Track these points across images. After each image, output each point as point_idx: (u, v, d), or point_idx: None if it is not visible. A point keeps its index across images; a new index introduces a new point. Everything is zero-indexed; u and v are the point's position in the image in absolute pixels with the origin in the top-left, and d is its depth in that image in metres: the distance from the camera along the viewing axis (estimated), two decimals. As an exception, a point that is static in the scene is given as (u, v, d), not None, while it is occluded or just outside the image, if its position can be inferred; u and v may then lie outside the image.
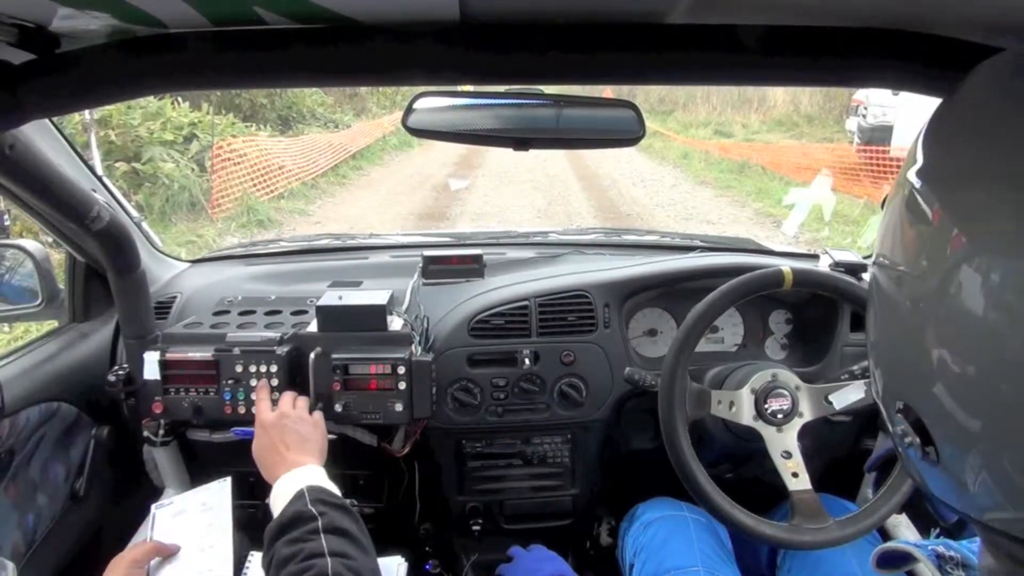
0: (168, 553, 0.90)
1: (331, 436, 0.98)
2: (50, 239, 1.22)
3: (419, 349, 1.12)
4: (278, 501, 0.80)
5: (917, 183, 0.39)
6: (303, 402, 0.99)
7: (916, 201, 0.38)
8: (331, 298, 1.12)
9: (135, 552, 0.87)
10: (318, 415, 0.98)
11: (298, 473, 0.83)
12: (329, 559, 0.69)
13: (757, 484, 1.20)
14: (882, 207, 0.45)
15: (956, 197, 0.36)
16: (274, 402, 0.98)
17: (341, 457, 1.28)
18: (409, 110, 0.74)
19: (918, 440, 0.38)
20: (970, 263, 0.33)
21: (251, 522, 1.27)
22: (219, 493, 0.97)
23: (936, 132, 0.40)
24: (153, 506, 0.97)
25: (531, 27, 0.58)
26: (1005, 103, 0.37)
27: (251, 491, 1.23)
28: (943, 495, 0.39)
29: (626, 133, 0.76)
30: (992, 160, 0.35)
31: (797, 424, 1.06)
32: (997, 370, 0.33)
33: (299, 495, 0.78)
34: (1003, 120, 0.36)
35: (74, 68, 0.61)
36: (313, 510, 0.75)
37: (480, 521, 1.27)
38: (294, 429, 0.92)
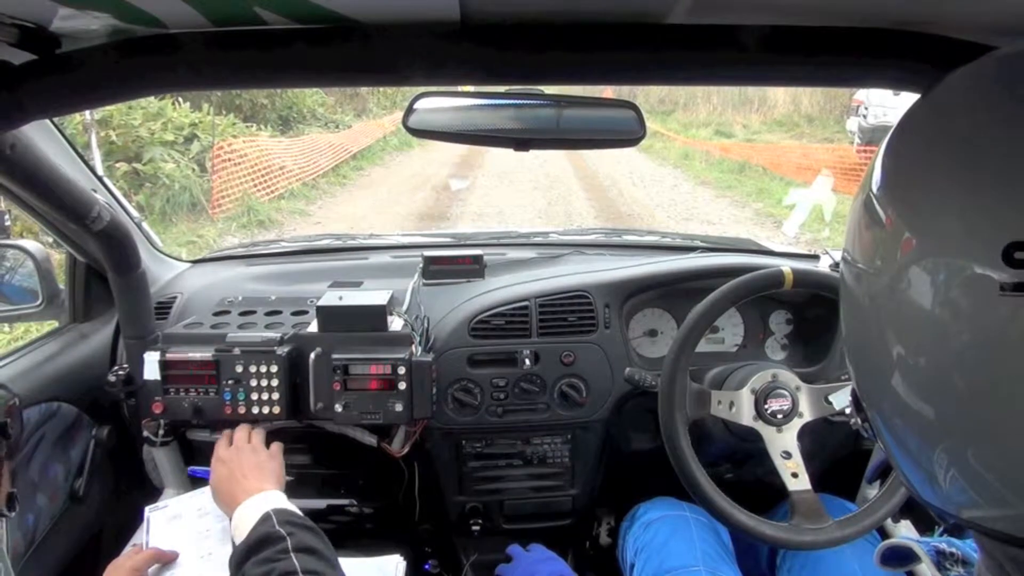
0: (167, 560, 0.89)
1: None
2: (50, 239, 1.22)
3: (419, 349, 1.12)
4: (241, 527, 0.79)
5: (876, 185, 0.40)
6: (258, 435, 0.99)
7: (873, 203, 0.39)
8: (331, 298, 1.12)
9: (135, 559, 0.87)
10: (276, 447, 0.99)
11: (259, 498, 0.83)
12: None
13: (757, 484, 1.20)
14: None
15: (908, 200, 0.37)
16: None
17: (341, 457, 1.29)
18: (409, 110, 0.74)
19: (860, 420, 0.41)
20: (919, 264, 0.35)
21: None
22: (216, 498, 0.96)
23: (897, 137, 0.41)
24: (147, 509, 0.96)
25: (531, 27, 0.58)
26: (957, 112, 0.38)
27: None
28: (924, 494, 0.39)
29: (627, 133, 0.76)
30: (940, 165, 0.36)
31: (797, 424, 1.06)
32: (950, 365, 0.34)
33: (265, 517, 0.78)
34: (951, 127, 0.37)
35: (74, 68, 0.61)
36: (281, 531, 0.75)
37: (480, 521, 1.27)
38: (249, 458, 0.93)
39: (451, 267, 1.35)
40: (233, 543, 0.79)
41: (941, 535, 0.76)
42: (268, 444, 0.99)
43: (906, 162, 0.39)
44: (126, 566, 0.86)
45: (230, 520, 0.84)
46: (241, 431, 0.99)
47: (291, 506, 0.83)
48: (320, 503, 1.35)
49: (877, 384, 0.40)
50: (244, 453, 0.94)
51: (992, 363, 0.32)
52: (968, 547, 0.56)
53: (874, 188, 0.40)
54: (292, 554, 0.71)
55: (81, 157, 1.21)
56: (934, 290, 0.34)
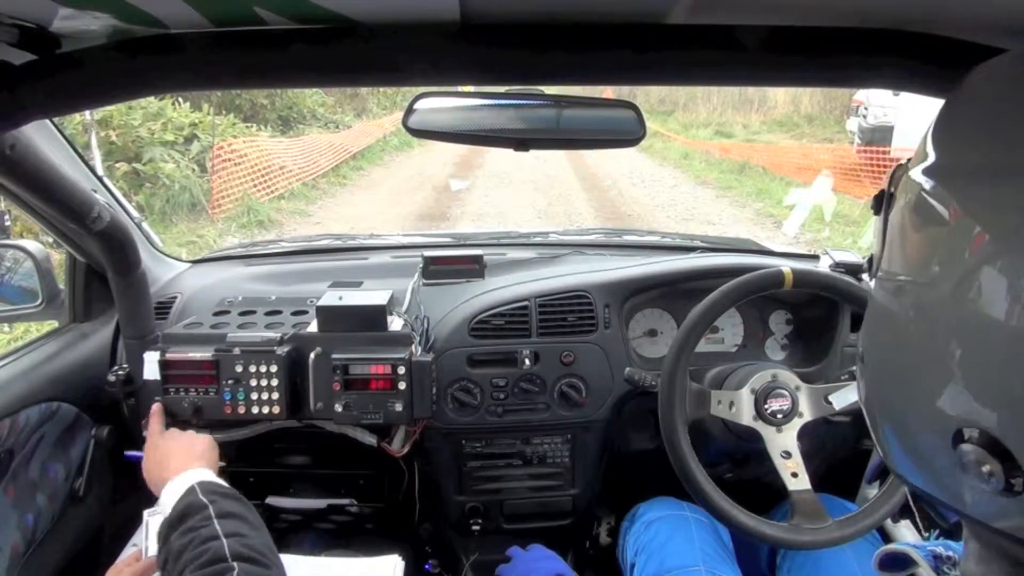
0: None
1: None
2: (50, 239, 1.22)
3: (419, 349, 1.12)
4: (167, 503, 0.79)
5: (928, 182, 0.37)
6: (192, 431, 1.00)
7: (927, 201, 0.37)
8: (331, 298, 1.12)
9: (135, 568, 0.86)
10: (207, 433, 0.99)
11: (186, 475, 0.83)
12: (225, 540, 0.69)
13: (757, 484, 1.20)
14: (875, 210, 0.44)
15: (977, 193, 0.34)
16: None
17: (341, 457, 1.29)
18: (410, 111, 0.74)
19: (1000, 467, 0.33)
20: (992, 264, 0.32)
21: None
22: None
23: (947, 130, 0.39)
24: (146, 513, 0.96)
25: (531, 27, 0.58)
26: None
27: (250, 491, 1.24)
28: (953, 503, 0.38)
29: (626, 134, 0.76)
30: (1015, 152, 0.34)
31: (797, 424, 1.06)
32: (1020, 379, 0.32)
33: (190, 490, 0.78)
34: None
35: (75, 68, 0.62)
36: (204, 499, 0.75)
37: (480, 521, 1.27)
38: (179, 439, 0.94)
39: (451, 267, 1.35)
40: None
41: (937, 538, 0.75)
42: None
43: (970, 151, 0.36)
44: (125, 573, 0.85)
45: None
46: (174, 429, 1.00)
47: (218, 480, 0.83)
48: (320, 503, 1.35)
49: (913, 402, 0.37)
50: (174, 436, 0.95)
51: None
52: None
53: (926, 185, 0.37)
54: (215, 520, 0.72)
55: (81, 157, 1.21)
56: (1011, 295, 0.31)
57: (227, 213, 6.69)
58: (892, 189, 0.42)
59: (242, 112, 9.66)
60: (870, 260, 0.45)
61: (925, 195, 0.37)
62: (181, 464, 0.87)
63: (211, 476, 0.84)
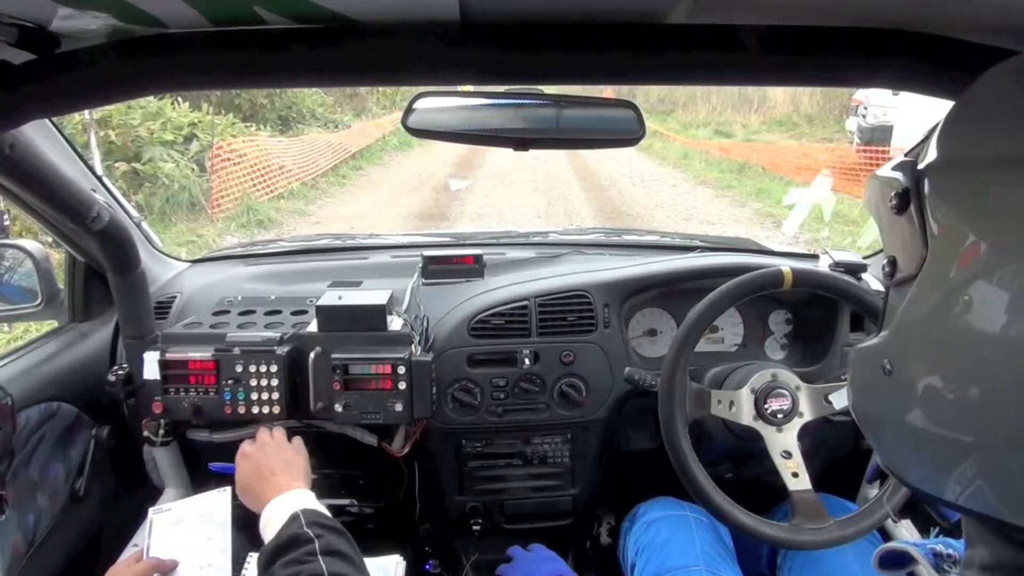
0: (167, 570, 0.89)
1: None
2: (50, 239, 1.22)
3: (419, 349, 1.12)
4: (270, 526, 0.79)
5: (929, 188, 0.37)
6: (280, 431, 0.99)
7: (925, 211, 0.36)
8: (331, 298, 1.12)
9: (135, 569, 0.86)
10: (298, 440, 0.98)
11: (289, 497, 0.83)
12: None
13: (757, 484, 1.20)
14: (898, 209, 0.41)
15: (974, 206, 0.34)
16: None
17: (341, 457, 1.29)
18: (409, 110, 0.74)
19: None
20: (987, 277, 0.31)
21: (251, 522, 1.27)
22: (219, 504, 0.95)
23: (954, 131, 0.38)
24: (151, 511, 0.96)
25: (531, 27, 0.58)
26: None
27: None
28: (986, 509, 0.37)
29: (626, 133, 0.76)
30: None
31: (797, 424, 1.06)
32: (1009, 397, 0.31)
33: (294, 518, 0.78)
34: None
35: (74, 68, 0.62)
36: (310, 532, 0.75)
37: (480, 521, 1.27)
38: (276, 454, 0.93)
39: (450, 267, 1.35)
40: (262, 541, 0.80)
41: (936, 536, 0.75)
42: (289, 439, 0.98)
43: (984, 149, 0.35)
44: (125, 575, 0.85)
45: (258, 517, 0.84)
46: (263, 429, 0.99)
47: (320, 506, 0.83)
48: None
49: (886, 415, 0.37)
50: (269, 448, 0.94)
51: None
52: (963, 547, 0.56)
53: (927, 191, 0.36)
54: (320, 557, 0.72)
55: (80, 157, 1.21)
56: (1011, 309, 0.29)
57: (226, 213, 6.69)
58: (917, 186, 0.39)
59: (241, 112, 9.65)
60: (892, 262, 0.42)
61: (929, 202, 0.37)
62: (283, 482, 0.86)
63: (313, 501, 0.84)
